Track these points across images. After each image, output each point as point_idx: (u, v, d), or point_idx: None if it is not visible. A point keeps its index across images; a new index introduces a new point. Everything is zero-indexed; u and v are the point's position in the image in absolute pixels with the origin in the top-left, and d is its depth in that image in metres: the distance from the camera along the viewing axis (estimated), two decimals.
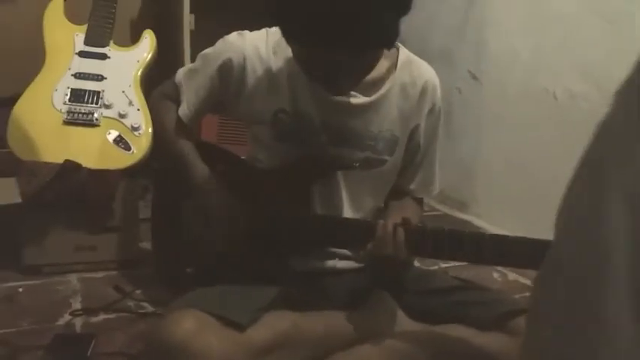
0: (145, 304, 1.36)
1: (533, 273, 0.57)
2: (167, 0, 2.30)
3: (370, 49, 0.93)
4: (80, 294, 1.41)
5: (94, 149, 1.51)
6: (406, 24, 0.92)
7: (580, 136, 0.48)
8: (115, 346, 1.16)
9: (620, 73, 0.44)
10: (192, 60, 1.23)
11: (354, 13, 0.82)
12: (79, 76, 1.61)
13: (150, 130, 1.56)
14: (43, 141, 1.49)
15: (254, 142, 1.16)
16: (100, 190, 1.49)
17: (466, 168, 2.28)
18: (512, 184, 2.06)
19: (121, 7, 1.75)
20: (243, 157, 1.23)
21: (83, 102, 1.57)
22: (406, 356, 1.00)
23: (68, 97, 1.57)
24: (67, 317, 1.28)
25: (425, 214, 1.47)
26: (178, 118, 1.18)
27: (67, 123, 1.53)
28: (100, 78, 1.62)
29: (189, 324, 0.88)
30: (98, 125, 1.55)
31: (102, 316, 1.29)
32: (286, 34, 0.93)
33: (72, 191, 1.45)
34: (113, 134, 1.55)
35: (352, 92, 1.07)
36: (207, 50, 1.17)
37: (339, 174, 1.11)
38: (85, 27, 1.69)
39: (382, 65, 1.07)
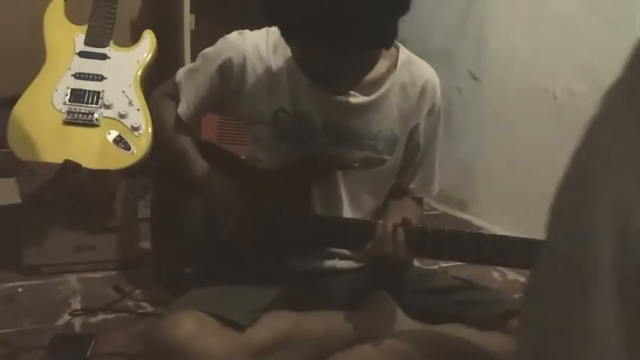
0: (145, 304, 1.36)
1: None
2: (167, 0, 2.30)
3: (369, 49, 0.93)
4: (80, 294, 1.41)
5: (93, 149, 1.51)
6: (406, 24, 0.92)
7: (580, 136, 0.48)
8: (114, 346, 1.16)
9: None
10: (193, 60, 1.23)
11: (353, 13, 0.82)
12: (79, 76, 1.61)
13: (150, 130, 1.56)
14: (43, 141, 1.49)
15: (254, 142, 1.16)
16: (99, 190, 1.49)
17: (466, 167, 2.28)
18: (513, 183, 2.06)
19: (121, 7, 1.75)
20: (243, 157, 1.23)
21: (83, 102, 1.57)
22: (406, 356, 1.00)
23: (68, 97, 1.57)
24: (66, 317, 1.28)
25: (425, 213, 1.47)
26: (177, 116, 1.18)
27: (67, 123, 1.53)
28: (100, 78, 1.62)
29: (189, 324, 0.88)
30: (98, 125, 1.55)
31: (101, 316, 1.29)
32: (285, 34, 0.93)
33: (72, 191, 1.45)
34: (113, 134, 1.55)
35: (352, 92, 1.07)
36: (208, 49, 1.17)
37: (339, 174, 1.11)
38: (85, 27, 1.69)
39: (382, 65, 1.07)
